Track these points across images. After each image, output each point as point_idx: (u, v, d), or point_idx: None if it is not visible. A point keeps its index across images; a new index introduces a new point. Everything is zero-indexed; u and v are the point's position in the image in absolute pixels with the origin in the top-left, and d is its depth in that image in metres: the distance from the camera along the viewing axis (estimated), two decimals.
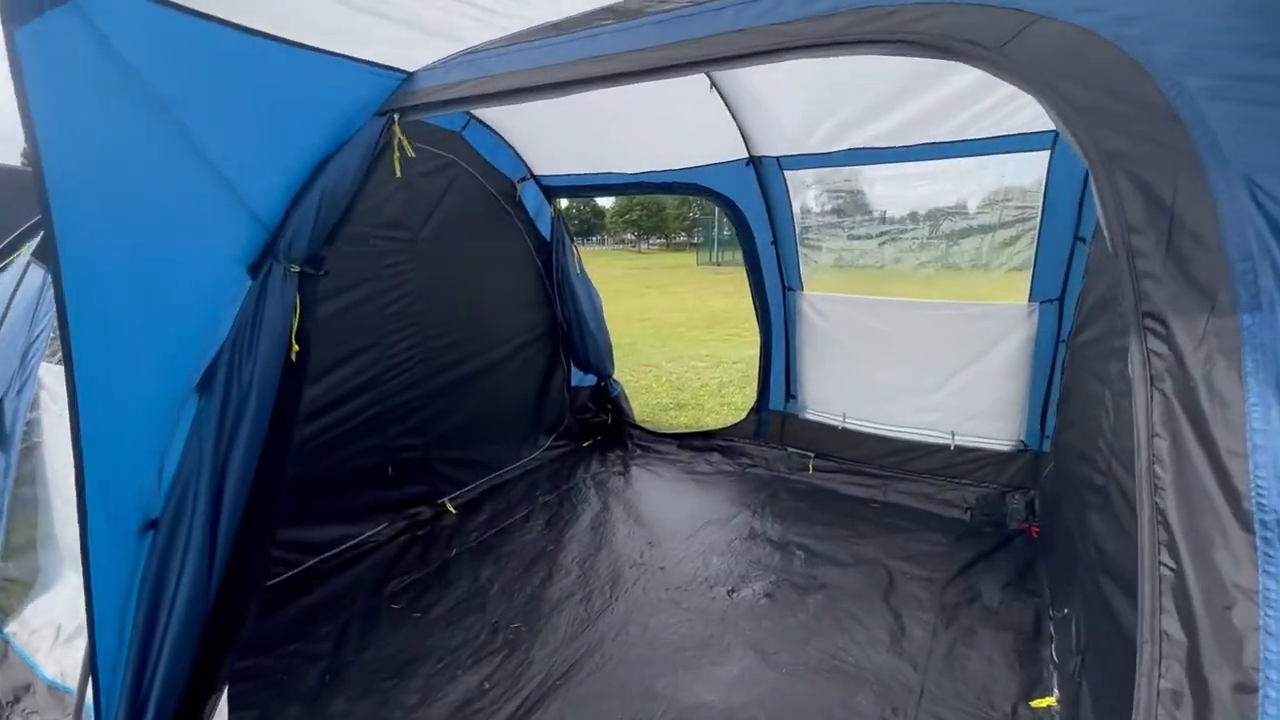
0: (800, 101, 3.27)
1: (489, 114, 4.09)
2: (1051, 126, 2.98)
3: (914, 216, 3.71)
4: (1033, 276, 3.43)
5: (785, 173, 3.85)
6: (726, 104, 3.41)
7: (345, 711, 2.45)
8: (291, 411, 1.48)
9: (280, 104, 1.45)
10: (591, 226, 62.72)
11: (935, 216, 3.69)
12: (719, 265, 34.72)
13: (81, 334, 1.13)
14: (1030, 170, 3.14)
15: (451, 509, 4.12)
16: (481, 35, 1.60)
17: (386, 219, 3.55)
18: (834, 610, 3.05)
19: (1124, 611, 1.57)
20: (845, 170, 3.65)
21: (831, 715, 2.39)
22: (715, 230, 40.60)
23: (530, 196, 4.60)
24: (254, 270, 1.42)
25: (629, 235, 61.89)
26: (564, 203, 4.92)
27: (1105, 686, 1.74)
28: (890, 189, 3.64)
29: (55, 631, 1.99)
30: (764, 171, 3.91)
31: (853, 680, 2.57)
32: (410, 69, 1.70)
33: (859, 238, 3.97)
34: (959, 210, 3.58)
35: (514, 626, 2.97)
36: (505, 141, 4.28)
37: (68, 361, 1.12)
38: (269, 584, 3.13)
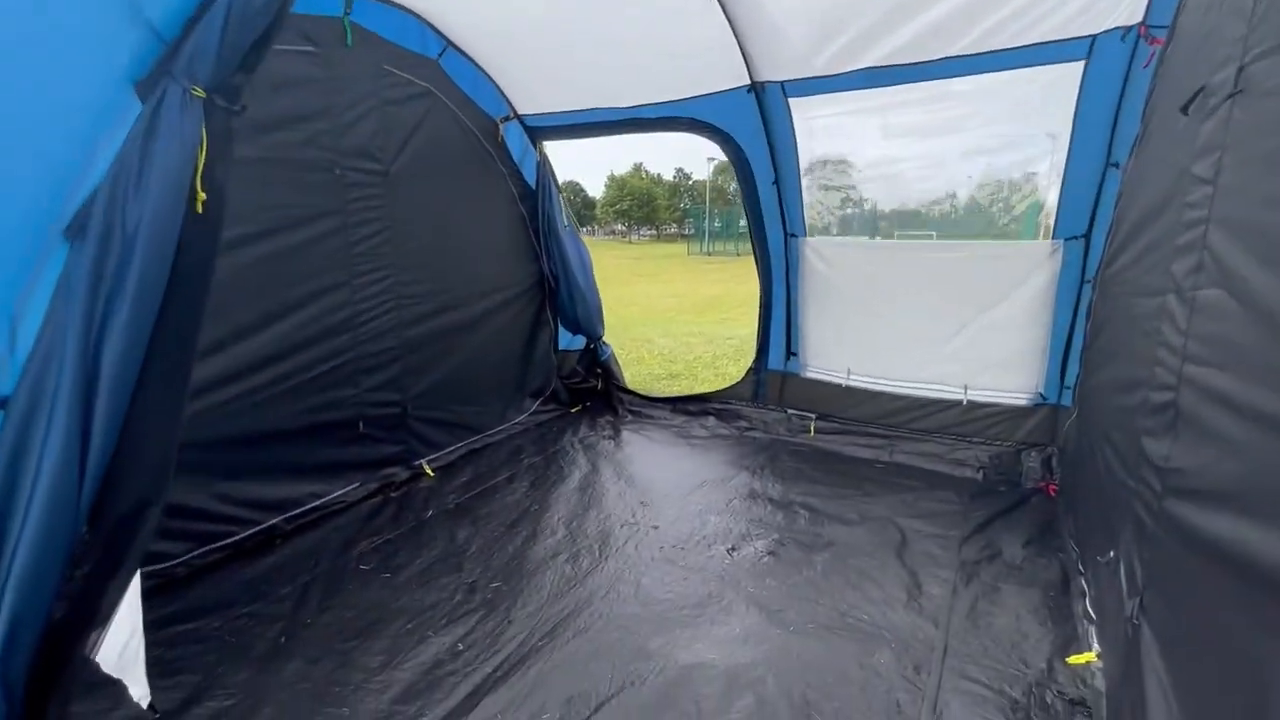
0: (810, 10, 2.94)
1: (469, 43, 3.76)
2: (1087, 30, 2.72)
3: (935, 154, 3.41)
4: (1057, 210, 3.17)
5: (790, 100, 3.54)
6: (727, 16, 3.09)
7: (300, 675, 2.16)
8: (201, 274, 1.18)
9: None
10: (582, 218, 62.16)
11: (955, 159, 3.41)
12: (710, 255, 34.53)
13: None
14: (1058, 88, 2.85)
15: (429, 471, 3.83)
16: None
17: (354, 146, 3.23)
18: (843, 568, 2.80)
19: (1211, 527, 1.32)
20: (854, 96, 3.33)
21: (847, 674, 2.13)
22: (706, 221, 40.38)
23: (514, 139, 4.28)
24: (144, 90, 1.11)
25: (619, 226, 61.43)
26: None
27: (1179, 620, 1.50)
28: (906, 117, 3.33)
29: None
30: (767, 100, 3.60)
31: (869, 638, 2.32)
32: None
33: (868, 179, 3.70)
34: (985, 149, 3.30)
35: (493, 586, 2.68)
36: (486, 74, 3.96)
37: None
38: (223, 543, 2.83)
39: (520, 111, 4.21)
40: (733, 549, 2.97)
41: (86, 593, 1.12)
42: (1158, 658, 1.58)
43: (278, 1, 1.21)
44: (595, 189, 65.39)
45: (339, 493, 3.37)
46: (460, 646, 2.29)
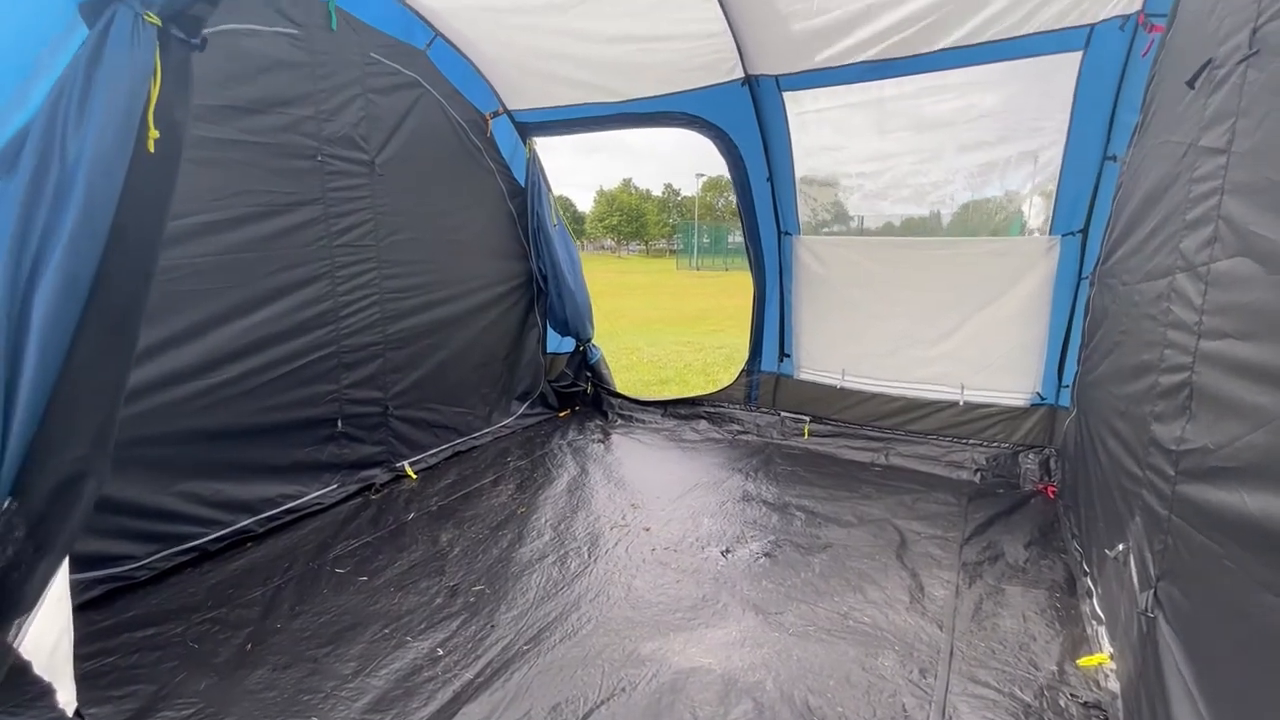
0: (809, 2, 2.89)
1: (458, 33, 3.69)
2: (1084, 21, 2.70)
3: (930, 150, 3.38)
4: (1054, 205, 3.13)
5: (785, 94, 3.50)
6: (722, 7, 3.04)
7: (266, 683, 2.02)
8: (152, 222, 1.07)
9: None
10: (572, 232, 62.29)
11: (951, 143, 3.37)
12: (699, 270, 34.61)
13: None
14: (1055, 79, 2.82)
15: (411, 473, 3.69)
16: None
17: (338, 135, 3.13)
18: (842, 569, 2.69)
19: (1238, 505, 1.24)
20: (848, 90, 3.29)
21: (850, 678, 2.02)
22: (694, 236, 40.57)
23: (504, 136, 4.21)
24: (89, 13, 1.01)
25: (609, 240, 61.57)
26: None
27: (1200, 609, 1.41)
28: (902, 112, 3.30)
29: None
30: (761, 94, 3.55)
31: (871, 640, 2.21)
32: None
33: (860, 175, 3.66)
34: (980, 143, 3.27)
35: (476, 589, 2.55)
36: (475, 67, 3.89)
37: None
38: (189, 545, 2.68)
39: (510, 106, 4.14)
40: (727, 551, 2.86)
41: (9, 574, 0.99)
42: (1178, 651, 1.50)
43: None
44: (585, 203, 65.69)
45: (315, 494, 3.22)
46: (440, 652, 2.15)
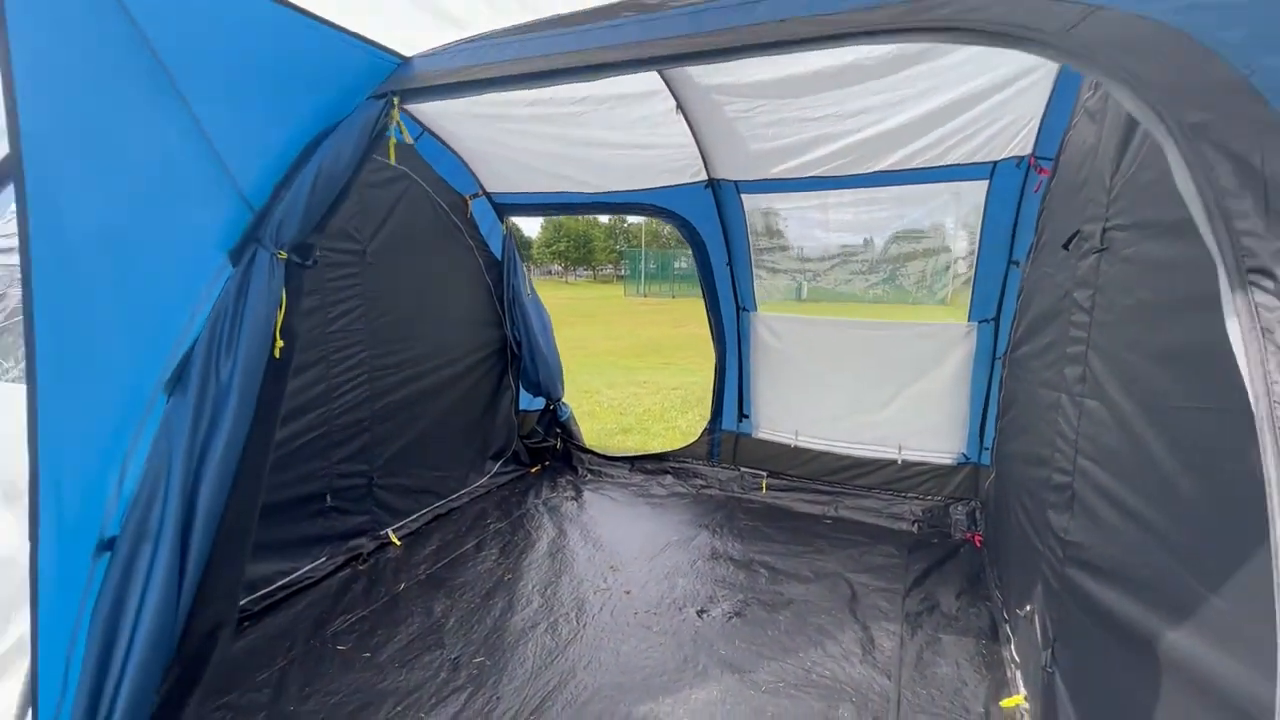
0: (766, 131, 3.39)
1: (444, 129, 3.98)
2: (990, 158, 3.26)
3: (865, 242, 3.93)
4: (971, 297, 3.69)
5: (743, 196, 3.97)
6: (690, 126, 3.49)
7: None
8: (273, 413, 1.31)
9: (279, 74, 1.31)
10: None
11: (880, 241, 3.91)
12: (646, 297, 35.25)
13: (46, 309, 0.94)
14: (968, 199, 3.41)
15: (396, 540, 3.84)
16: (483, 23, 1.55)
17: (334, 229, 3.34)
18: (804, 625, 3.05)
19: (1106, 599, 1.65)
20: (799, 195, 3.80)
21: None
22: (642, 262, 41.30)
23: (482, 214, 4.49)
24: (236, 256, 1.26)
25: (556, 266, 61.83)
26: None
27: (1082, 670, 1.82)
28: (843, 215, 3.83)
29: None
30: (722, 195, 4.01)
31: (833, 694, 2.56)
32: (408, 53, 1.61)
33: (813, 260, 4.15)
34: (907, 234, 3.82)
35: (477, 661, 2.76)
36: (460, 159, 4.17)
37: (28, 339, 0.93)
38: None
39: (489, 189, 4.44)
40: (702, 611, 3.17)
41: (173, 702, 1.18)
42: (1068, 703, 1.91)
43: (351, 168, 1.40)
44: (532, 229, 65.73)
45: (307, 568, 3.35)
46: None
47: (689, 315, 20.62)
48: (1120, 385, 1.64)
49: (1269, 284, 0.68)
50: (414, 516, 4.09)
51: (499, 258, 4.65)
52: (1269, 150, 0.72)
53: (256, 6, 1.24)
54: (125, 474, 1.15)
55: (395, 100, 1.57)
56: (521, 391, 5.18)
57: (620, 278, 52.11)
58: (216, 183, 1.22)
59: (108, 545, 1.13)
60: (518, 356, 4.92)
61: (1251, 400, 0.67)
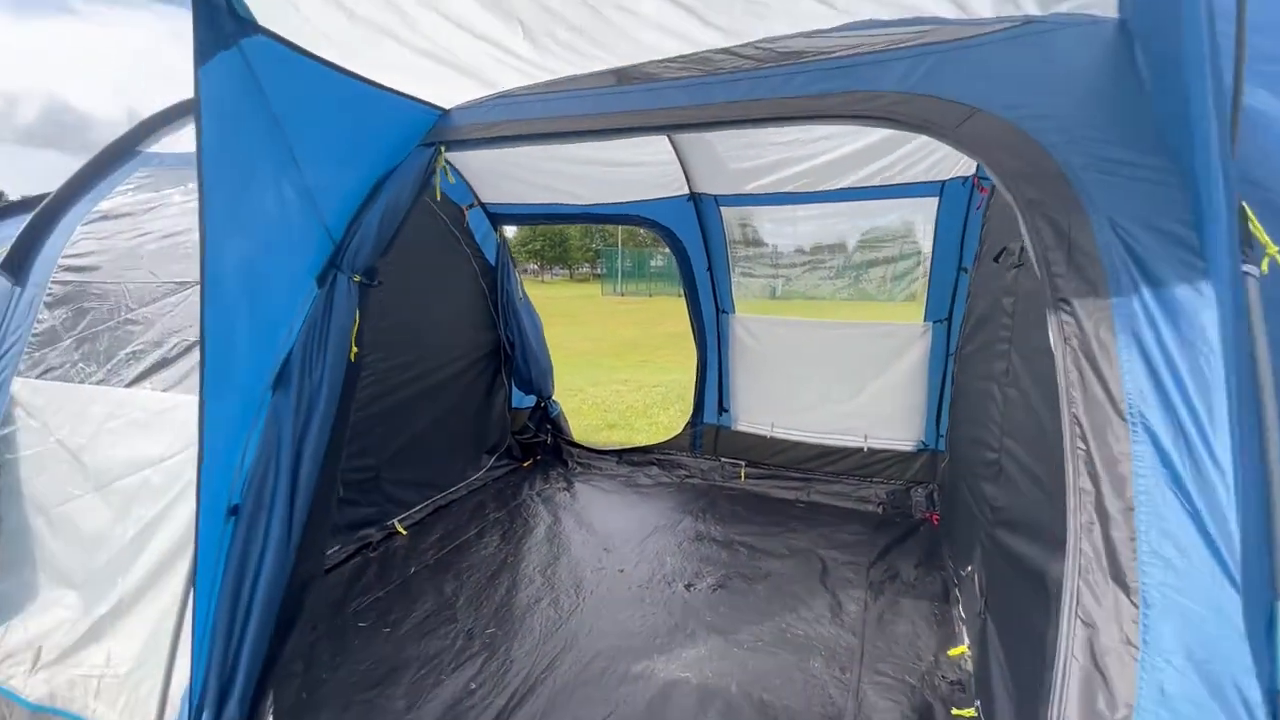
0: (741, 153, 3.77)
1: None
2: (939, 177, 3.68)
3: (832, 248, 4.34)
4: (926, 300, 4.11)
5: (722, 209, 4.34)
6: (674, 146, 3.84)
7: None
8: (349, 404, 1.60)
9: (355, 132, 1.61)
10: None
11: (847, 248, 4.32)
12: (623, 296, 35.48)
13: (213, 334, 1.23)
14: (922, 212, 3.82)
15: (401, 529, 4.12)
16: (508, 80, 1.85)
17: None
18: (780, 594, 3.42)
19: (1017, 547, 2.05)
20: (772, 209, 4.19)
21: (791, 678, 2.73)
22: (619, 261, 41.45)
23: (478, 222, 4.77)
24: (321, 280, 1.55)
25: (532, 265, 61.73)
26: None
27: (1003, 610, 2.21)
28: (811, 225, 4.24)
29: (35, 655, 1.89)
30: (703, 207, 4.37)
31: (804, 649, 2.93)
32: (445, 106, 1.91)
33: (785, 265, 4.54)
34: (869, 243, 4.23)
35: (489, 631, 3.07)
36: (459, 173, 4.45)
37: (203, 358, 1.23)
38: None
39: (484, 200, 4.73)
40: (689, 585, 3.52)
41: (280, 644, 1.47)
42: (996, 640, 2.30)
43: (408, 205, 1.70)
44: (508, 229, 65.38)
45: None
46: (473, 685, 2.67)
47: (666, 314, 20.96)
48: (1029, 374, 2.03)
49: (1067, 309, 1.04)
50: (418, 508, 4.36)
51: (493, 264, 4.94)
52: (1073, 221, 1.07)
53: (342, 83, 1.53)
54: (245, 454, 1.44)
55: (441, 149, 1.87)
56: (514, 390, 5.47)
57: (597, 276, 52.26)
58: (313, 223, 1.52)
59: (233, 511, 1.42)
60: (511, 357, 5.21)
61: (1059, 379, 1.02)
